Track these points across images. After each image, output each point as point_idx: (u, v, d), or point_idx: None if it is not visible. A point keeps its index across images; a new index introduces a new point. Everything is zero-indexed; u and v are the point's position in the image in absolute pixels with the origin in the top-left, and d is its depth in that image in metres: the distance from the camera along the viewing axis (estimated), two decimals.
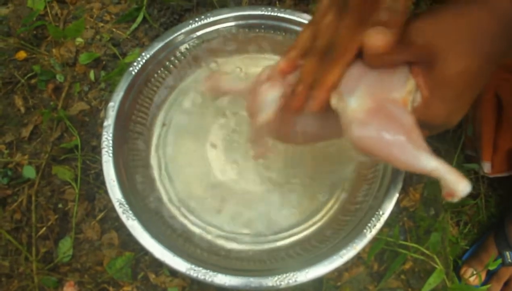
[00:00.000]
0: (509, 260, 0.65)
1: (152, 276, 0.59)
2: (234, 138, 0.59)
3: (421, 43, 0.33)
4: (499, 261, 0.64)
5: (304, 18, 0.60)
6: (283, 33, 0.61)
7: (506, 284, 0.67)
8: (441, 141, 0.68)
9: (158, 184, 0.57)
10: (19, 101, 0.69)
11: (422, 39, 0.33)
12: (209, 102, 0.61)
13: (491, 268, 0.64)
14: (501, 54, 0.33)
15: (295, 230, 0.55)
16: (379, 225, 0.49)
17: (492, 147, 0.64)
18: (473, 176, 0.71)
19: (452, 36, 0.32)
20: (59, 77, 0.70)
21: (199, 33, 0.61)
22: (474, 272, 0.66)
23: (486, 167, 0.65)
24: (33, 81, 0.71)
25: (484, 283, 0.67)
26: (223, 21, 0.61)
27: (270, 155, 0.47)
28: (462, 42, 0.32)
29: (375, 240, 0.56)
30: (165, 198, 0.57)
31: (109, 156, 0.54)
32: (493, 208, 0.73)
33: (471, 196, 0.72)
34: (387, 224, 0.53)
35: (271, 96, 0.39)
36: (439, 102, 0.34)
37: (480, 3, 0.33)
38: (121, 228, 0.61)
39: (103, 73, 0.71)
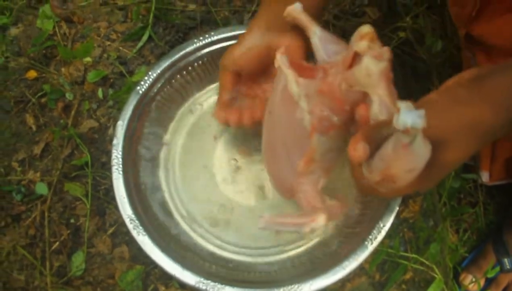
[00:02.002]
0: (507, 267, 0.67)
1: (162, 289, 0.61)
2: (241, 154, 0.61)
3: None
4: (498, 268, 0.65)
5: None
6: None
7: (504, 290, 0.69)
8: None
9: (167, 199, 0.59)
10: (30, 120, 0.72)
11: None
12: (215, 120, 0.63)
13: (489, 275, 0.66)
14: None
15: (299, 243, 0.57)
16: (380, 237, 0.51)
17: (490, 156, 0.65)
18: (472, 185, 0.73)
19: (455, 127, 0.34)
20: (69, 96, 0.73)
21: (204, 51, 0.63)
22: (473, 279, 0.68)
23: (484, 177, 0.66)
24: (43, 100, 0.73)
25: (483, 290, 0.68)
26: (226, 39, 0.62)
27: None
28: (464, 135, 0.34)
29: (376, 251, 0.58)
30: (174, 212, 0.59)
31: (119, 173, 0.56)
32: (491, 215, 0.74)
33: (470, 204, 0.73)
34: (387, 235, 0.55)
35: None
36: (426, 179, 0.36)
37: (483, 96, 0.33)
38: (132, 242, 0.63)
39: (111, 91, 0.73)
